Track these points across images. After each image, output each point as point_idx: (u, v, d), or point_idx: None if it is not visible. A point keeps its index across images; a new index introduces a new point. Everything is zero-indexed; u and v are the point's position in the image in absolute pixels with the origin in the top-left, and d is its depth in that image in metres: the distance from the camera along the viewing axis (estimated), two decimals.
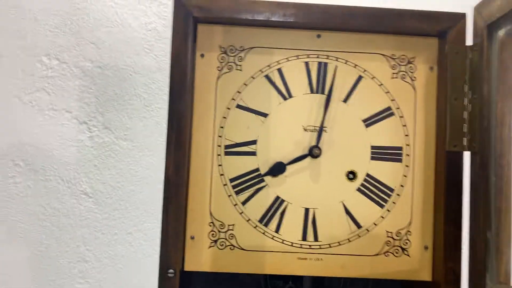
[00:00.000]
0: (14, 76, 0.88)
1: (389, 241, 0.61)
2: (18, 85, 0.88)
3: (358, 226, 0.61)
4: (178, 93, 0.59)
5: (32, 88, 0.89)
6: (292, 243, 0.61)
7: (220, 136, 0.61)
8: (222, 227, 0.61)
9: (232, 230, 0.61)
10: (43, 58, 0.91)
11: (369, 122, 0.62)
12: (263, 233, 0.61)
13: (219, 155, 0.61)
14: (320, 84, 0.62)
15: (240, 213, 0.61)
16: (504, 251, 0.51)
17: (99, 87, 0.95)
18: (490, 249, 0.52)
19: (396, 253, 0.61)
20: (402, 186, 0.61)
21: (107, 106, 0.95)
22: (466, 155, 0.59)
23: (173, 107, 0.59)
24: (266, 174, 0.60)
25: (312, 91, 0.62)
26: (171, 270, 0.57)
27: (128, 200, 0.94)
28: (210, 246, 0.61)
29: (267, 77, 0.62)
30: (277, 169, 0.60)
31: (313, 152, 0.60)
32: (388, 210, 0.61)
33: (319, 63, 0.62)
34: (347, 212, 0.61)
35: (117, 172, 0.94)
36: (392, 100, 0.62)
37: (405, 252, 0.61)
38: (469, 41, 0.58)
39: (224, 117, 0.61)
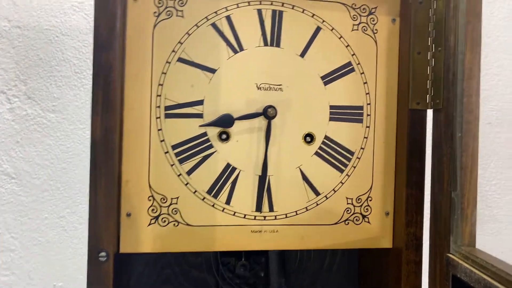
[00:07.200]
0: None
1: (349, 208, 0.57)
2: None
3: (316, 193, 0.56)
4: (105, 42, 0.48)
5: None
6: (245, 215, 0.54)
7: (159, 96, 0.52)
8: (163, 201, 0.52)
9: (175, 204, 0.53)
10: None
11: (328, 79, 0.56)
12: (212, 206, 0.53)
13: (158, 117, 0.52)
14: (274, 36, 0.54)
15: (185, 184, 0.53)
16: (468, 212, 0.48)
17: (19, 51, 0.83)
18: (455, 210, 0.49)
19: (357, 220, 0.57)
20: (362, 148, 0.57)
21: (29, 73, 0.84)
22: (430, 114, 0.55)
23: (99, 59, 0.48)
24: (210, 124, 0.52)
25: (266, 44, 0.54)
26: (102, 253, 0.48)
27: (59, 180, 0.85)
28: (150, 224, 0.52)
29: (214, 25, 0.53)
30: (224, 121, 0.52)
31: (268, 113, 0.53)
32: (348, 175, 0.56)
33: (273, 11, 0.54)
34: (305, 178, 0.55)
35: (44, 149, 0.84)
36: (353, 54, 0.56)
37: (366, 219, 0.57)
38: None
39: (164, 73, 0.52)
